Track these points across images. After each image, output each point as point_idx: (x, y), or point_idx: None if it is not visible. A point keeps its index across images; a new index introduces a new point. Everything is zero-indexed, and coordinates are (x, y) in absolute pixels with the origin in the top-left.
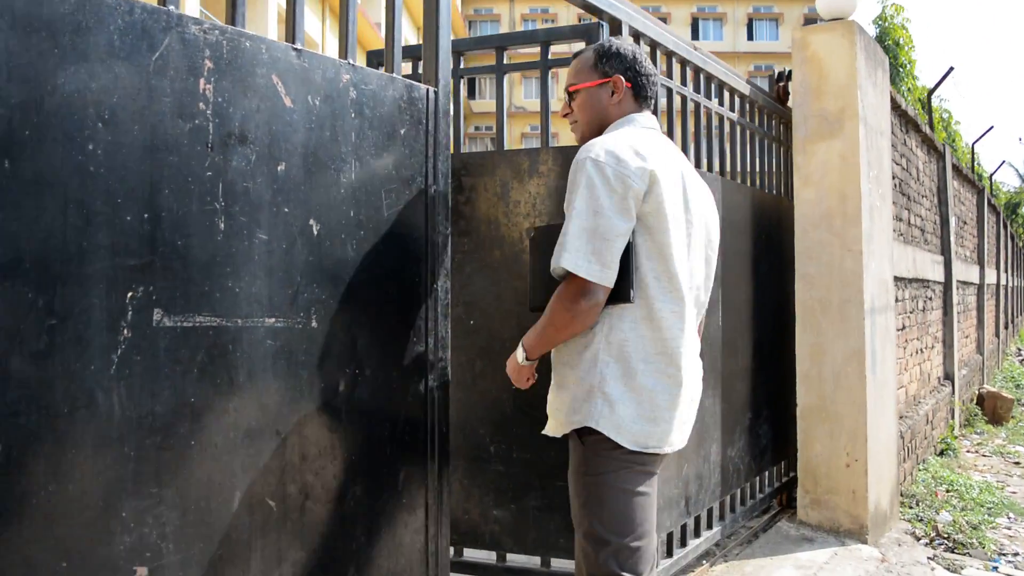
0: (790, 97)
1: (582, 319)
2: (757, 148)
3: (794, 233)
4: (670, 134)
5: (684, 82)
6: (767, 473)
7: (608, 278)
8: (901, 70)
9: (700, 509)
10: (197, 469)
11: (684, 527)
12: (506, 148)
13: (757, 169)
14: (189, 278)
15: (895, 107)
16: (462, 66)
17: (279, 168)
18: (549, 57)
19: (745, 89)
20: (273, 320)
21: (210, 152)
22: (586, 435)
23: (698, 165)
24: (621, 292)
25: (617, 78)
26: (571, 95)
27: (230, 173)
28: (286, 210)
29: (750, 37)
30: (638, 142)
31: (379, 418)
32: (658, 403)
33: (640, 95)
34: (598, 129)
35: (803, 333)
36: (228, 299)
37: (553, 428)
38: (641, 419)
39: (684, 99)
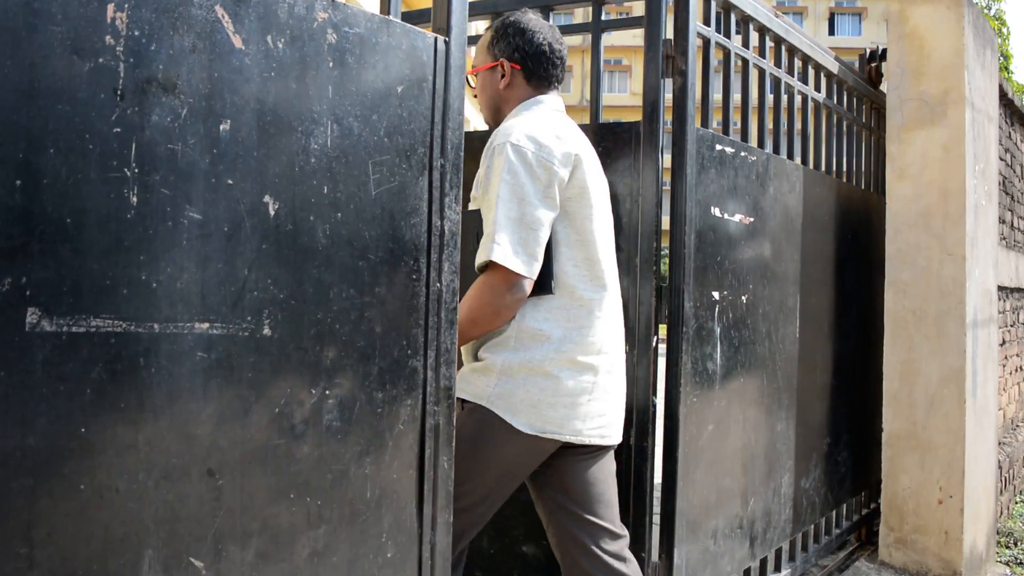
0: (883, 79)
1: (506, 314)
2: (844, 135)
3: (884, 233)
4: (744, 113)
5: (763, 53)
6: (845, 505)
7: (535, 270)
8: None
9: (767, 550)
10: (89, 522)
11: (748, 571)
12: None
13: (844, 159)
14: (82, 268)
15: (1002, 95)
16: None
17: (221, 127)
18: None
19: (833, 67)
20: (206, 325)
21: (119, 102)
22: (481, 410)
23: (776, 151)
24: (542, 283)
25: (502, 62)
26: (474, 77)
27: (148, 131)
28: (229, 182)
29: (831, 32)
30: (555, 125)
31: (356, 452)
32: (562, 390)
33: (537, 76)
34: (496, 112)
35: (892, 348)
36: (140, 297)
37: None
38: (541, 404)
39: (762, 73)
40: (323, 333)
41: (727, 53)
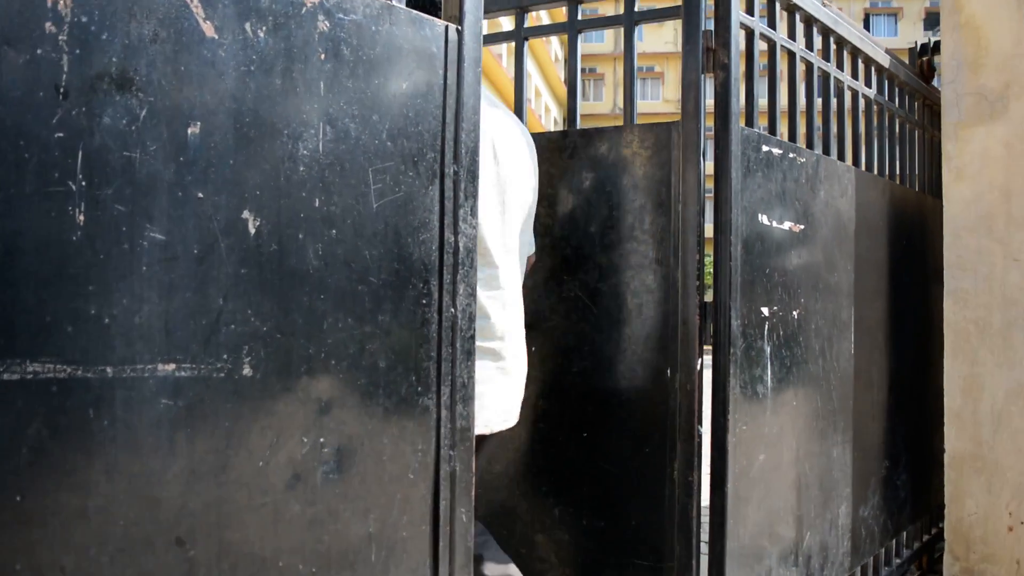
0: (936, 73)
1: None
2: (897, 134)
3: (941, 239)
4: (791, 111)
5: (810, 46)
6: (905, 532)
7: None
8: None
9: None
10: None
11: None
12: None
13: (897, 160)
14: (15, 301)
15: None
16: (525, 24)
17: (189, 131)
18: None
19: (884, 61)
20: (172, 367)
21: (62, 101)
22: None
23: (826, 152)
24: None
25: None
26: None
27: (99, 136)
28: (199, 195)
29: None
30: None
31: (358, 509)
32: None
33: None
34: None
35: (953, 362)
36: (88, 335)
37: None
38: None
39: (810, 68)
40: (316, 370)
41: (772, 45)
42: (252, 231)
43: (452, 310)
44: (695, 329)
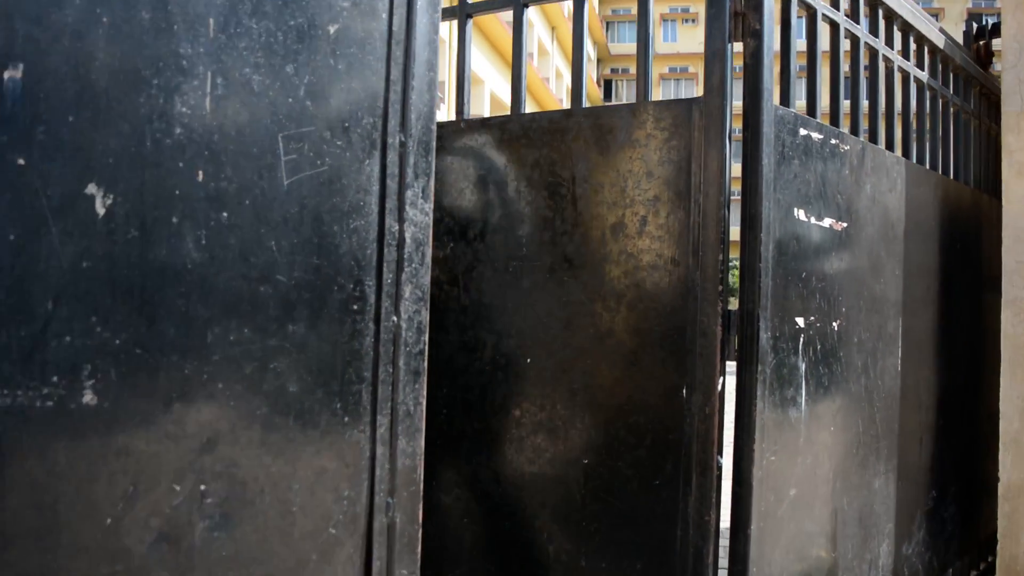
0: (996, 58)
1: None
2: (952, 123)
3: (1000, 243)
4: (834, 91)
5: (855, 17)
6: (951, 568)
7: None
8: None
9: None
10: None
11: None
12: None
13: (951, 152)
14: None
15: None
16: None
17: (6, 76)
18: None
19: (938, 40)
20: None
21: None
22: None
23: (873, 139)
24: None
25: None
26: None
27: None
28: (20, 162)
29: None
30: None
31: None
32: None
33: None
34: None
35: (1011, 381)
36: None
37: None
38: None
39: (855, 43)
40: (195, 396)
41: (813, 14)
42: (101, 211)
43: (394, 319)
44: (716, 342)
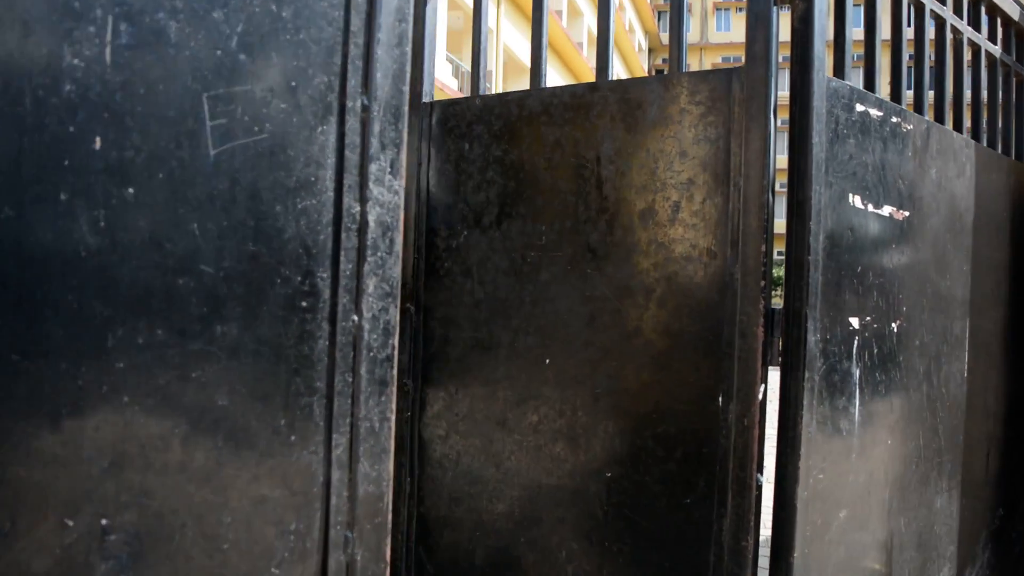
0: None
1: None
2: None
3: None
4: (895, 65)
5: None
6: None
7: None
8: None
9: None
10: None
11: None
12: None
13: None
14: None
15: None
16: None
17: None
18: None
19: (1013, 11)
20: None
21: None
22: None
23: (938, 119)
24: None
25: None
26: None
27: None
28: None
29: None
30: None
31: None
32: None
33: None
34: None
35: None
36: None
37: None
38: None
39: (919, 8)
40: (91, 410)
41: None
42: None
43: (354, 318)
44: (758, 344)
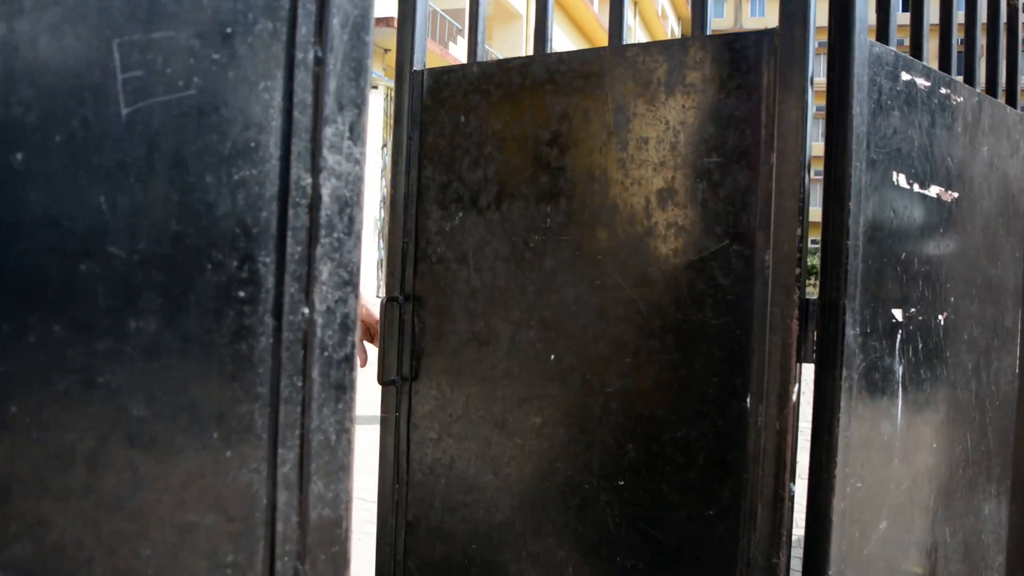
0: None
1: None
2: None
3: None
4: (945, 28)
5: None
6: None
7: None
8: None
9: None
10: None
11: None
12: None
13: None
14: None
15: None
16: None
17: None
18: None
19: None
20: None
21: None
22: None
23: (992, 91)
24: None
25: None
26: None
27: None
28: None
29: None
30: None
31: None
32: None
33: None
34: None
35: None
36: None
37: None
38: None
39: None
40: None
41: None
42: None
43: (304, 311)
44: (791, 339)
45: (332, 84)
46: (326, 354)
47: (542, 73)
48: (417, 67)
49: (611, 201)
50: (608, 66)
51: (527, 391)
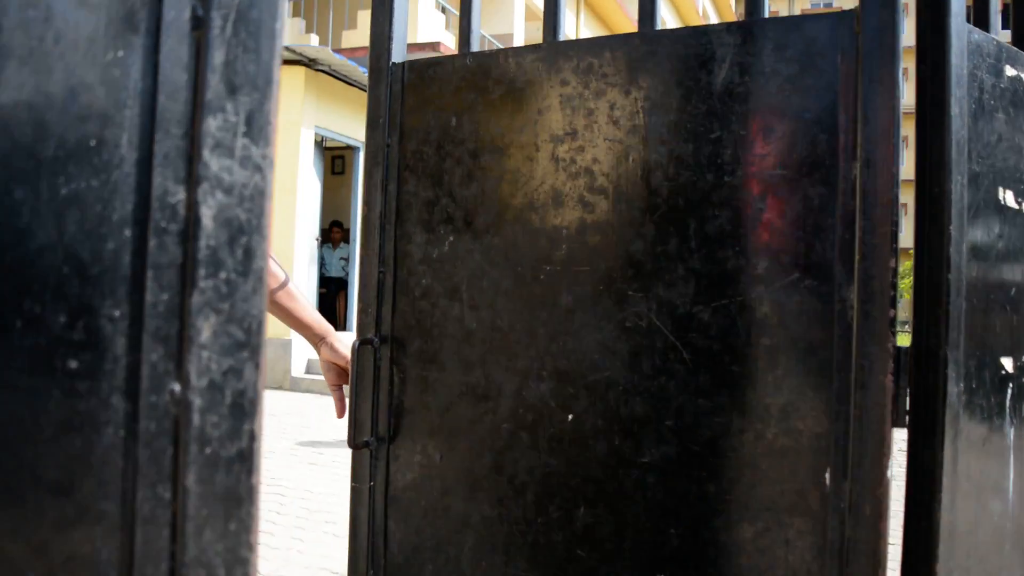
0: None
1: None
2: None
3: None
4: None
5: None
6: None
7: None
8: None
9: None
10: None
11: None
12: None
13: None
14: None
15: None
16: None
17: None
18: None
19: None
20: None
21: None
22: None
23: None
24: None
25: None
26: None
27: None
28: None
29: None
30: None
31: None
32: None
33: None
34: None
35: None
36: None
37: None
38: None
39: None
40: None
41: None
42: None
43: (175, 387)
44: (885, 399)
45: (218, 56)
46: (208, 451)
47: (554, 65)
48: (396, 59)
49: (644, 223)
50: (640, 56)
51: (537, 460)
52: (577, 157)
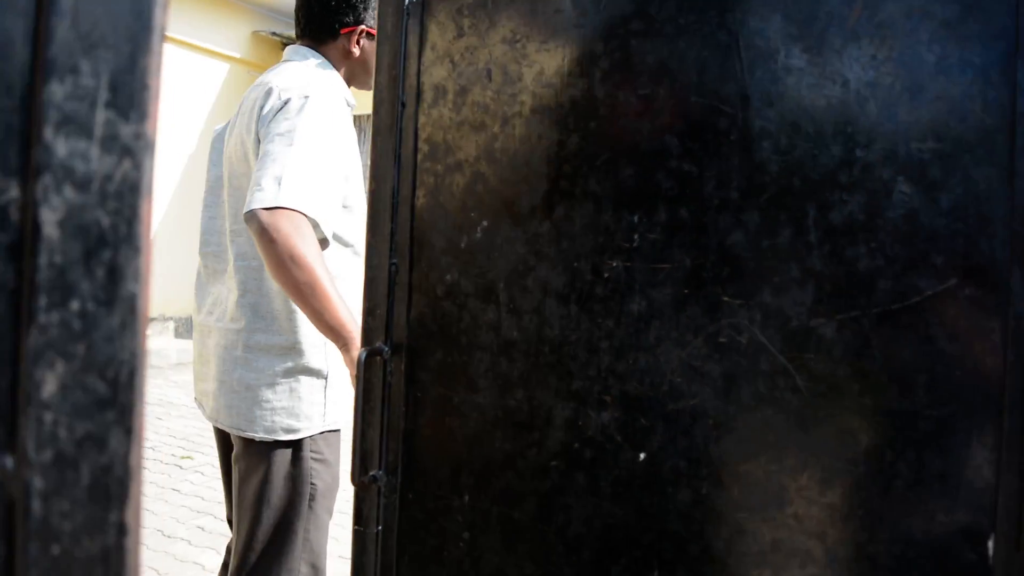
0: None
1: None
2: None
3: None
4: None
5: None
6: None
7: None
8: None
9: None
10: None
11: None
12: None
13: None
14: None
15: None
16: None
17: None
18: None
19: None
20: None
21: None
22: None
23: None
24: None
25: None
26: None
27: None
28: None
29: None
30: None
31: None
32: None
33: None
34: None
35: None
36: None
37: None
38: None
39: None
40: None
41: None
42: None
43: (7, 463)
44: None
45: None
46: (56, 551)
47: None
48: None
49: (745, 208)
50: None
51: (596, 509)
52: (653, 117)
